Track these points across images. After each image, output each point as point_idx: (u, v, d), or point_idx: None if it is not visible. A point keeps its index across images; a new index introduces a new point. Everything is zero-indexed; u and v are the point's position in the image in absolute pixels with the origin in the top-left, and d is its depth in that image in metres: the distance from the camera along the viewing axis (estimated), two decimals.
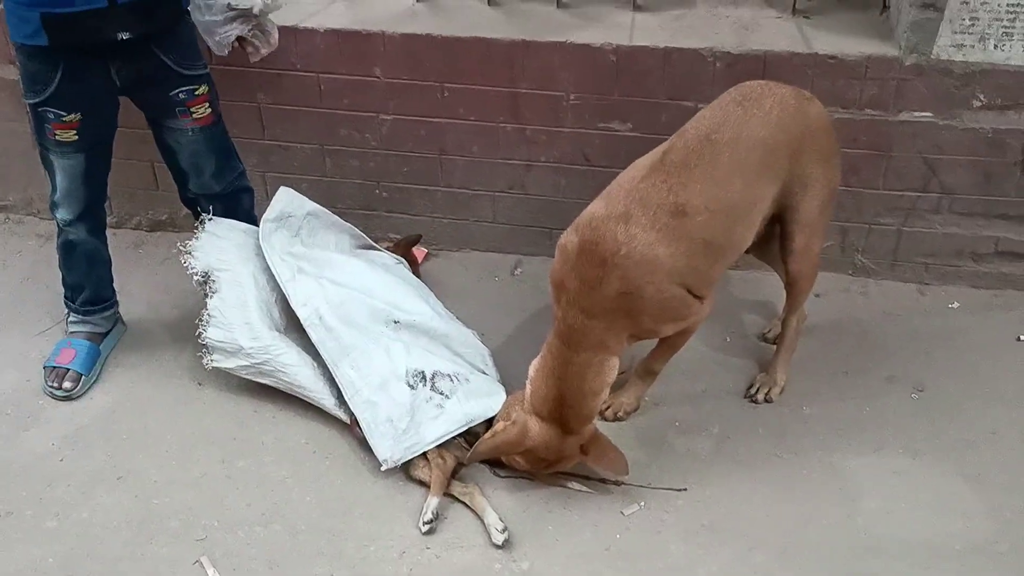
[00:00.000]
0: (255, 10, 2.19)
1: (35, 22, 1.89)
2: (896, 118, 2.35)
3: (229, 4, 2.16)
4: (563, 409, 1.85)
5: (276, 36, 2.32)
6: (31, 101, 2.04)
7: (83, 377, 2.25)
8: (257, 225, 2.30)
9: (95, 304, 2.34)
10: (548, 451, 1.89)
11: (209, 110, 2.19)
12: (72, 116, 2.03)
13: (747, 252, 2.07)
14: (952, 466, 2.04)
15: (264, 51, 2.32)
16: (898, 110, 2.35)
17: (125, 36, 1.96)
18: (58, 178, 2.13)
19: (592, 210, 1.84)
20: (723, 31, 2.40)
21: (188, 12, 2.14)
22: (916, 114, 2.35)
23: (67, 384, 2.23)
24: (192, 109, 2.15)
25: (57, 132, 2.05)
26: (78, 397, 2.24)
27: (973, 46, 2.27)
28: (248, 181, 2.42)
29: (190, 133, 2.18)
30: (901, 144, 2.39)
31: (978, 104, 2.32)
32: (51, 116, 2.02)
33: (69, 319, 2.36)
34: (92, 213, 2.23)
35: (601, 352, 1.84)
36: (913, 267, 2.61)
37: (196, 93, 2.15)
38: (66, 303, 2.36)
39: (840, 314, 2.51)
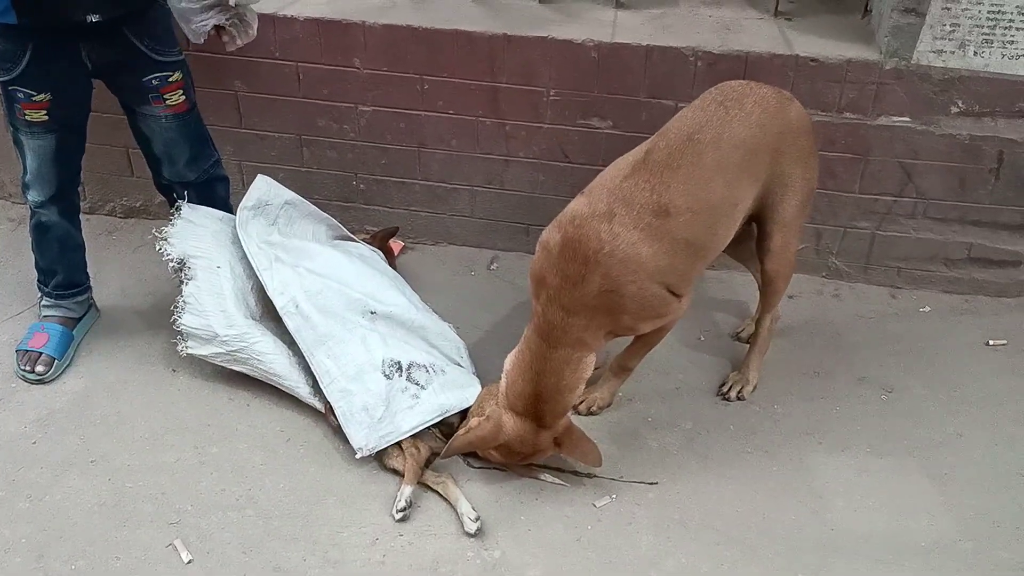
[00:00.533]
0: (232, 1, 2.22)
1: (3, 0, 1.95)
2: (874, 122, 2.49)
3: None
4: (539, 404, 1.97)
5: (255, 27, 2.36)
6: (1, 80, 2.10)
7: (56, 361, 2.35)
8: (233, 214, 2.40)
9: (68, 288, 2.44)
10: (523, 445, 2.02)
11: (183, 97, 2.26)
12: (42, 96, 2.10)
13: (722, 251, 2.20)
14: (918, 466, 2.17)
15: (240, 41, 2.35)
16: (876, 114, 2.48)
17: (95, 19, 2.01)
18: (28, 159, 2.21)
19: (575, 207, 1.94)
20: (705, 31, 2.53)
21: None
22: (894, 119, 2.49)
23: (40, 368, 2.33)
24: (165, 96, 2.22)
25: (27, 112, 2.11)
26: (51, 381, 2.35)
27: (953, 52, 2.41)
28: (223, 170, 2.51)
29: (163, 120, 2.25)
30: (878, 148, 2.53)
31: (956, 110, 2.46)
32: (20, 96, 2.09)
33: (42, 303, 2.46)
34: (64, 195, 2.31)
35: (579, 349, 1.95)
36: (886, 271, 2.76)
37: (169, 80, 2.21)
38: (39, 287, 2.46)
39: (813, 316, 2.65)
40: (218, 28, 2.30)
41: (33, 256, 2.43)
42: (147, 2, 2.13)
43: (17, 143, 2.22)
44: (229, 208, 2.48)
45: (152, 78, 2.19)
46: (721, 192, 1.96)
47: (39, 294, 2.47)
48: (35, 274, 2.46)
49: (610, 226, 1.87)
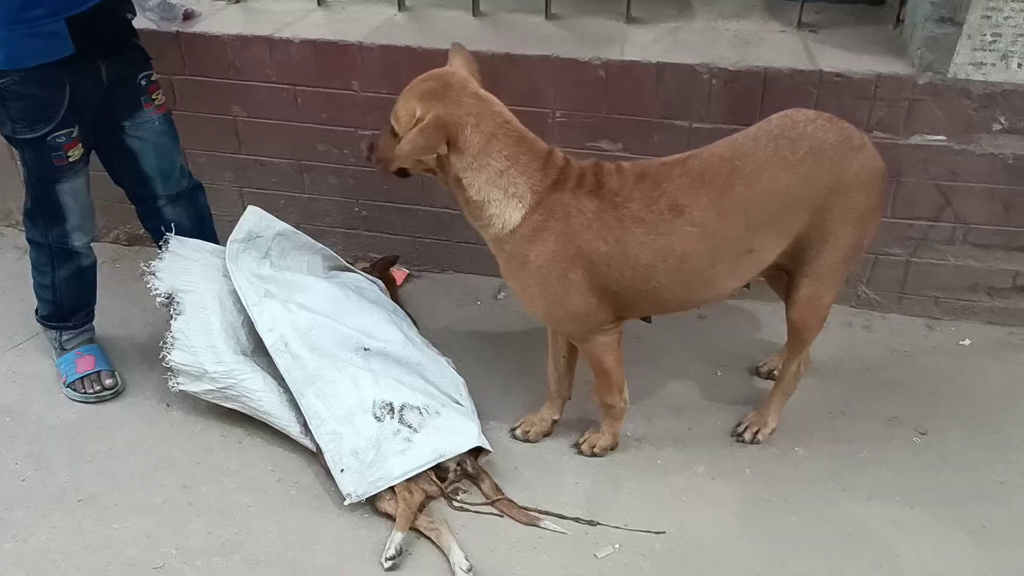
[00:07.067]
0: None
1: (60, 33, 1.95)
2: (907, 141, 2.37)
3: None
4: None
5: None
6: (38, 133, 2.06)
7: (115, 371, 2.42)
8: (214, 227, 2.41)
9: (89, 314, 2.49)
10: None
11: (164, 97, 2.31)
12: (77, 129, 2.13)
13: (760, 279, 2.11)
14: (954, 518, 2.05)
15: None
16: (910, 133, 2.36)
17: None
18: (71, 206, 2.22)
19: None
20: (721, 46, 2.43)
21: None
22: (929, 137, 2.36)
23: (108, 382, 2.39)
24: (153, 96, 2.26)
25: (70, 152, 2.13)
26: (111, 397, 2.39)
27: (994, 64, 2.27)
28: None
29: (155, 123, 2.28)
30: (912, 170, 2.40)
31: (998, 127, 2.33)
32: (62, 139, 2.10)
33: (63, 337, 2.46)
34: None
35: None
36: (922, 301, 2.63)
37: (152, 78, 2.27)
38: (57, 326, 2.45)
39: (841, 350, 2.53)
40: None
41: (53, 303, 2.41)
42: None
43: (53, 201, 2.19)
44: (211, 216, 2.50)
45: (141, 78, 2.23)
46: (737, 231, 1.85)
47: (55, 332, 2.46)
48: (55, 316, 2.45)
49: (632, 184, 1.85)
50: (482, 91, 1.88)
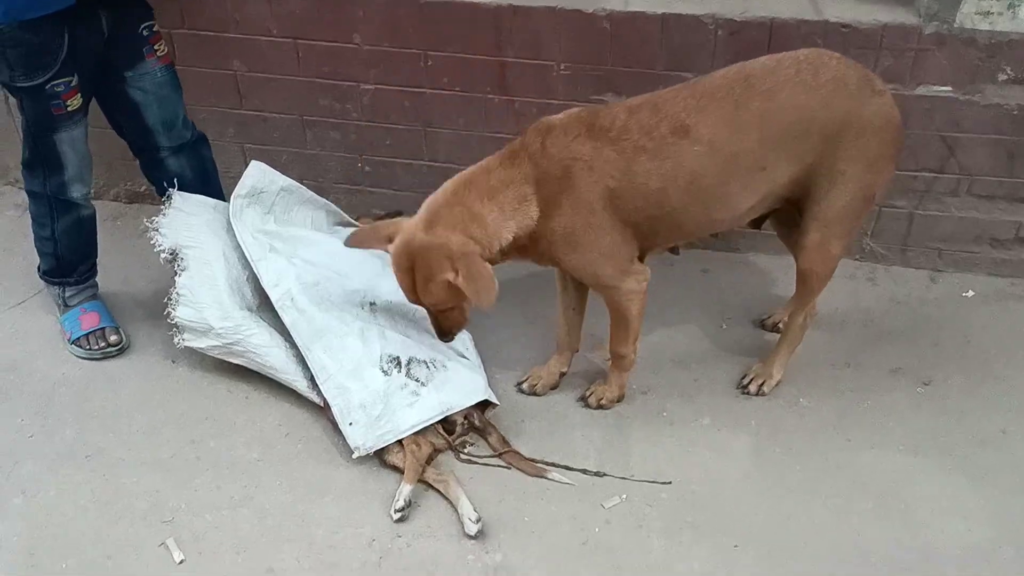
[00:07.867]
0: None
1: None
2: (913, 92, 2.34)
3: None
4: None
5: None
6: (37, 81, 2.04)
7: (120, 328, 2.40)
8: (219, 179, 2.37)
9: (91, 268, 2.47)
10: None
11: (166, 48, 2.28)
12: (76, 79, 2.09)
13: (769, 230, 2.12)
14: (956, 466, 2.06)
15: None
16: (915, 83, 2.33)
17: None
18: (69, 156, 2.19)
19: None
20: None
21: None
22: (935, 88, 2.33)
23: (113, 338, 2.38)
24: (155, 46, 2.23)
25: (69, 101, 2.10)
26: (116, 354, 2.38)
27: (1001, 14, 2.23)
28: None
29: (158, 74, 2.25)
30: (917, 120, 2.37)
31: (1004, 78, 2.30)
32: (61, 88, 2.07)
33: (66, 293, 2.43)
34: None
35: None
36: (926, 253, 2.61)
37: (154, 29, 2.23)
38: (60, 281, 2.43)
39: (845, 302, 2.52)
40: None
41: (54, 256, 2.38)
42: None
43: (51, 150, 2.17)
44: (216, 168, 2.47)
45: (143, 28, 2.20)
46: (751, 145, 1.85)
47: (58, 288, 2.44)
48: (59, 271, 2.42)
49: (627, 117, 1.84)
50: (425, 210, 1.88)
